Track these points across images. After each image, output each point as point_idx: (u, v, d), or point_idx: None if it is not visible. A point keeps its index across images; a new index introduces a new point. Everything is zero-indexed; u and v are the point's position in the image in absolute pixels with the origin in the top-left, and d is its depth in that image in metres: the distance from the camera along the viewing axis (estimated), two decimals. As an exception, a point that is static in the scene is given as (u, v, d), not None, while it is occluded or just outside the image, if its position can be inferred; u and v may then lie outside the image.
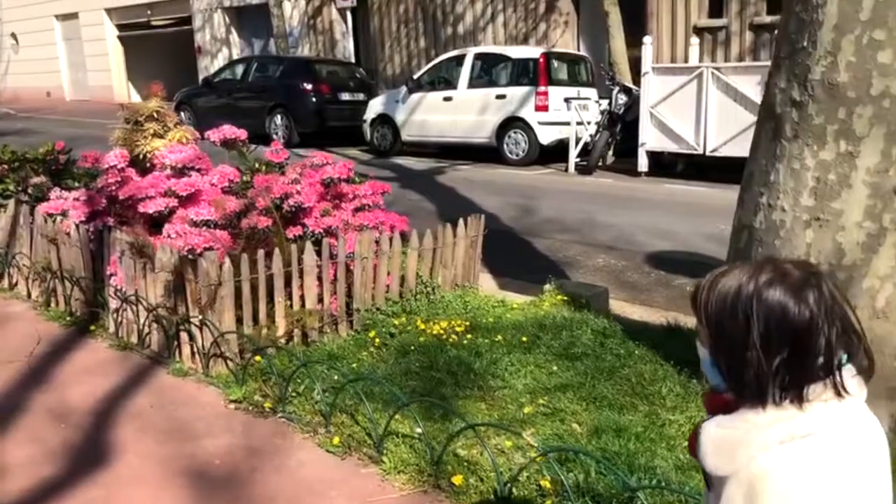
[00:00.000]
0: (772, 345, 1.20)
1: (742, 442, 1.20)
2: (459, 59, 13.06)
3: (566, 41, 16.58)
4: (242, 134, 5.76)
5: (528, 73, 12.15)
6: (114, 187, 4.90)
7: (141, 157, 5.49)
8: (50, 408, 3.78)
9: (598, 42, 16.06)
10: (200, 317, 4.06)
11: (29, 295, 5.51)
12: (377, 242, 4.74)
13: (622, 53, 13.21)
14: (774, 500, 1.15)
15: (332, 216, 4.71)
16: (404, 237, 4.99)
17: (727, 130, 9.80)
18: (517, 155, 12.08)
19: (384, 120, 13.66)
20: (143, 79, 28.51)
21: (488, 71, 12.92)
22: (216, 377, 4.04)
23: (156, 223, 4.98)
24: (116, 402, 3.85)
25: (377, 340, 4.31)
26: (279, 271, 4.27)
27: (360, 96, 15.34)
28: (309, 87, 14.68)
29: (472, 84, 12.61)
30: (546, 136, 11.85)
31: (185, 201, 4.97)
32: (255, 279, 4.20)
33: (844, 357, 1.22)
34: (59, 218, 5.28)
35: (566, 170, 11.65)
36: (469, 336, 4.24)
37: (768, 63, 9.21)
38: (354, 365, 4.05)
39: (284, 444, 3.39)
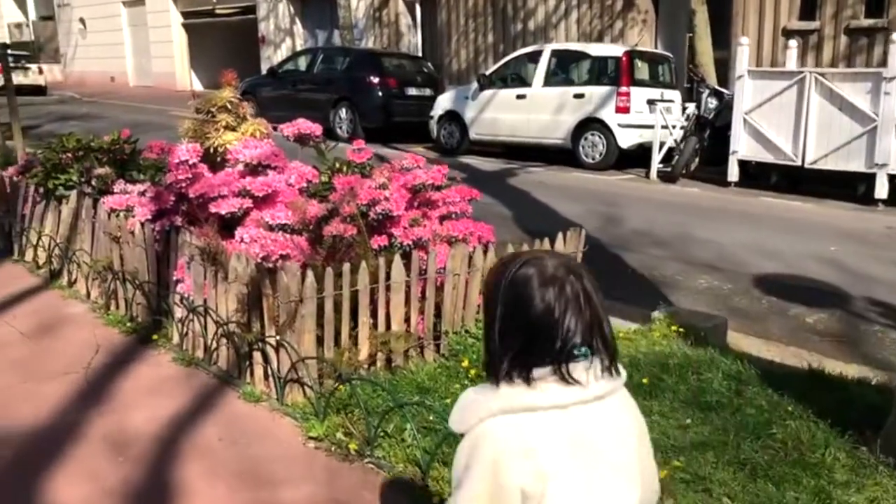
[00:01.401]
0: (507, 330, 1.37)
1: (477, 406, 1.36)
2: (535, 56, 12.47)
3: (643, 40, 15.84)
4: (317, 129, 5.31)
5: (609, 72, 11.50)
6: (184, 184, 4.46)
7: (211, 150, 5.07)
8: (108, 435, 3.34)
9: (676, 42, 15.31)
10: (277, 337, 3.59)
11: (88, 295, 5.13)
12: (470, 257, 4.21)
13: (709, 55, 12.47)
14: (485, 456, 1.31)
15: (423, 226, 4.20)
16: (497, 251, 4.45)
17: (829, 142, 9.05)
18: (593, 158, 11.45)
19: (452, 117, 13.14)
20: (205, 67, 28.54)
21: (566, 69, 12.31)
22: (292, 406, 3.56)
23: (227, 225, 4.55)
24: (182, 430, 3.40)
25: (472, 371, 3.78)
26: (365, 287, 3.78)
27: (427, 92, 14.85)
28: (375, 80, 14.25)
29: (548, 82, 12.01)
30: (626, 140, 11.19)
31: (260, 202, 4.52)
32: (339, 296, 3.71)
33: (583, 349, 1.35)
34: (122, 214, 4.88)
35: (647, 176, 10.99)
36: (580, 373, 3.68)
37: (880, 70, 8.42)
38: (448, 401, 3.52)
39: (374, 499, 2.89)
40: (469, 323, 4.28)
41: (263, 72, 23.48)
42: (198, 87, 28.77)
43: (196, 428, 3.43)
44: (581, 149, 11.54)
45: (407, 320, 4.02)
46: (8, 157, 9.64)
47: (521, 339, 1.36)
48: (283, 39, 24.27)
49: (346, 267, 3.72)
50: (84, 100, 24.45)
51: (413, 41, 20.71)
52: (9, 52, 11.50)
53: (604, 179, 10.81)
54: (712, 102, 10.24)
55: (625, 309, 5.12)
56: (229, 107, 5.39)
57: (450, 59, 19.66)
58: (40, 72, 27.73)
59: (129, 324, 4.60)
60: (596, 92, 11.39)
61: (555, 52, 12.10)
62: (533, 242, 4.66)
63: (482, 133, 12.76)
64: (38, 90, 26.21)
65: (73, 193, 5.47)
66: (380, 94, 14.19)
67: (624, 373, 1.46)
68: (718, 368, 3.76)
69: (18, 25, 35.90)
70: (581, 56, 12.06)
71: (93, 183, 5.41)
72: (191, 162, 4.42)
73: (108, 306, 4.87)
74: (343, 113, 14.45)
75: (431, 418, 3.26)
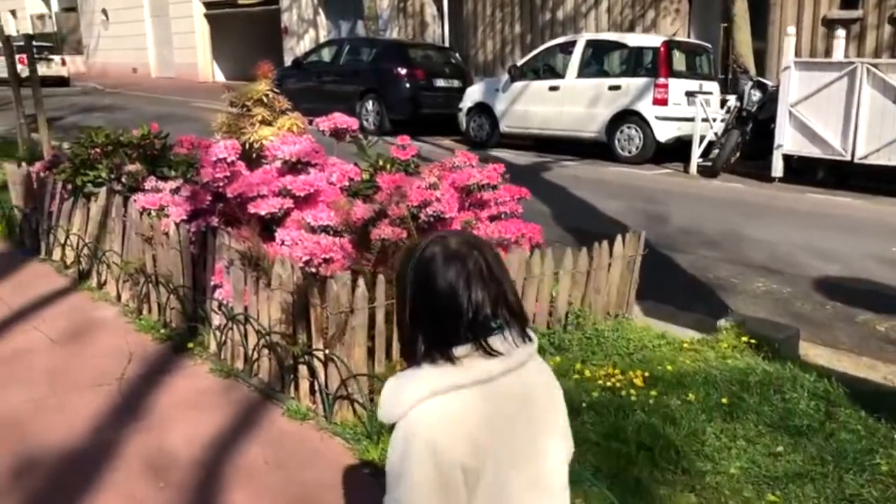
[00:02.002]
0: (418, 310, 1.39)
1: (404, 393, 1.35)
2: (568, 46, 12.11)
3: (676, 30, 15.44)
4: (354, 123, 5.06)
5: (647, 63, 11.14)
6: (221, 183, 4.21)
7: (247, 146, 4.82)
8: (146, 455, 3.10)
9: (710, 32, 14.88)
10: (326, 350, 3.32)
11: (119, 298, 4.89)
12: (527, 263, 3.93)
13: (747, 45, 12.06)
14: (422, 442, 1.30)
15: (475, 229, 3.92)
16: (555, 255, 4.17)
17: (882, 136, 8.65)
18: (629, 152, 11.10)
19: (482, 109, 12.82)
20: (227, 58, 28.37)
21: (600, 59, 11.95)
22: (342, 425, 3.30)
23: (265, 225, 4.30)
24: (225, 451, 3.15)
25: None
26: (418, 297, 3.50)
27: (456, 83, 14.53)
28: (403, 72, 13.94)
29: (582, 73, 11.65)
30: (664, 133, 10.83)
31: (301, 202, 4.26)
32: (391, 305, 3.44)
33: (497, 321, 1.38)
34: (154, 213, 4.64)
35: (686, 170, 10.64)
36: (653, 392, 3.39)
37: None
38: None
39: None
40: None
41: (286, 63, 23.29)
42: (220, 78, 28.62)
43: (239, 448, 3.18)
44: (617, 142, 11.19)
45: (461, 331, 3.75)
46: (33, 150, 9.47)
47: (432, 318, 1.38)
48: (307, 30, 24.03)
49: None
50: (107, 91, 24.35)
51: (438, 32, 20.39)
52: (33, 44, 11.35)
53: (641, 174, 10.47)
54: (756, 94, 9.85)
55: (683, 316, 4.84)
56: (265, 100, 5.14)
57: (476, 49, 19.33)
58: (63, 63, 27.68)
59: (162, 330, 4.36)
60: (632, 83, 11.03)
61: (589, 43, 11.74)
62: (591, 246, 4.38)
63: (513, 126, 12.44)
64: (61, 81, 26.17)
65: (103, 191, 5.24)
66: (407, 85, 13.89)
67: (535, 338, 1.48)
68: (803, 387, 3.45)
69: (41, 17, 35.92)
70: (617, 46, 11.69)
71: (123, 180, 5.18)
72: (229, 160, 4.17)
73: (139, 310, 4.64)
74: (370, 105, 14.18)
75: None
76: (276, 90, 5.19)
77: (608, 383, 3.47)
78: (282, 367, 3.59)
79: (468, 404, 1.35)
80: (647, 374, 3.58)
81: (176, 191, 4.99)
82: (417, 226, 3.87)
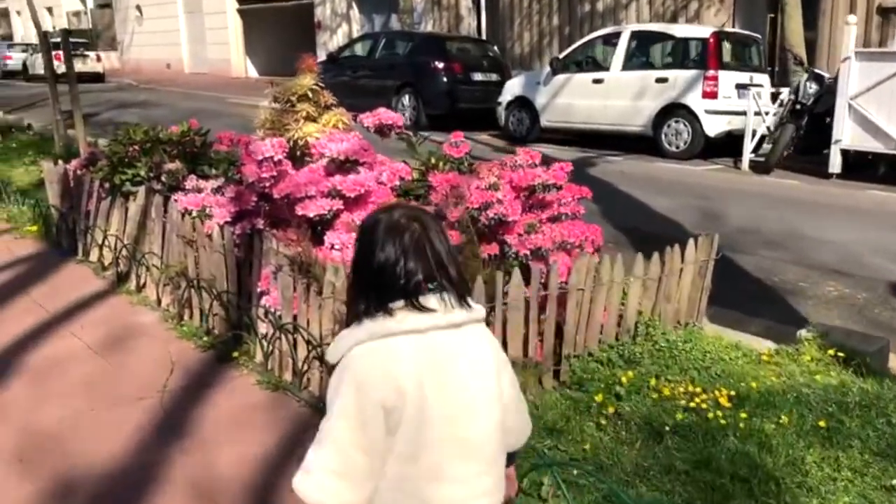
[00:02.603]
0: (362, 272, 1.56)
1: (346, 339, 1.52)
2: (612, 38, 11.74)
3: (720, 21, 14.96)
4: (399, 119, 4.80)
5: (695, 55, 10.74)
6: (268, 183, 3.97)
7: (290, 143, 4.59)
8: (194, 479, 2.87)
9: (755, 23, 14.37)
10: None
11: (159, 302, 4.69)
12: (596, 270, 3.64)
13: (799, 35, 11.60)
14: (351, 377, 1.47)
15: (541, 233, 3.64)
16: (625, 262, 3.87)
17: (949, 129, 8.18)
18: (677, 147, 10.71)
19: (522, 103, 12.49)
20: (260, 53, 28.32)
21: (646, 51, 11.57)
22: (400, 447, 3.04)
23: (313, 227, 4.07)
24: (276, 472, 2.91)
25: (610, 407, 3.22)
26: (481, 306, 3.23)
27: (494, 77, 14.22)
28: (440, 65, 13.66)
29: (628, 65, 11.27)
30: (713, 127, 10.43)
31: (351, 203, 4.02)
32: (453, 318, 3.17)
33: (433, 284, 1.51)
34: (194, 212, 4.42)
35: (737, 166, 10.23)
36: (742, 414, 3.09)
37: None
38: (587, 446, 2.97)
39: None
40: (592, 344, 3.71)
41: (320, 58, 23.17)
42: (253, 73, 28.59)
43: (292, 471, 2.93)
44: (664, 136, 10.81)
45: (525, 344, 3.47)
46: (69, 146, 9.36)
47: (372, 279, 1.52)
48: (340, 25, 23.85)
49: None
50: (141, 87, 24.39)
51: (473, 24, 20.07)
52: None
53: (690, 170, 10.08)
54: (812, 87, 9.41)
55: (753, 323, 4.52)
56: (310, 95, 4.89)
57: (512, 42, 18.99)
58: (98, 59, 27.83)
59: (205, 338, 4.14)
60: (680, 76, 10.63)
61: (635, 34, 11.35)
62: (652, 248, 4.08)
63: (554, 120, 12.10)
64: (97, 77, 26.30)
65: (142, 190, 5.04)
66: (444, 79, 13.61)
67: (480, 309, 1.60)
68: (909, 409, 3.13)
69: (77, 13, 36.21)
70: (664, 37, 11.30)
71: (162, 178, 4.97)
72: (276, 158, 3.93)
73: (181, 316, 4.43)
74: (406, 99, 13.92)
75: (574, 472, 2.71)
76: (320, 84, 4.93)
77: (691, 403, 3.17)
78: (334, 382, 3.34)
79: (396, 351, 1.48)
80: (731, 392, 3.27)
81: (218, 190, 4.78)
82: (477, 229, 3.60)
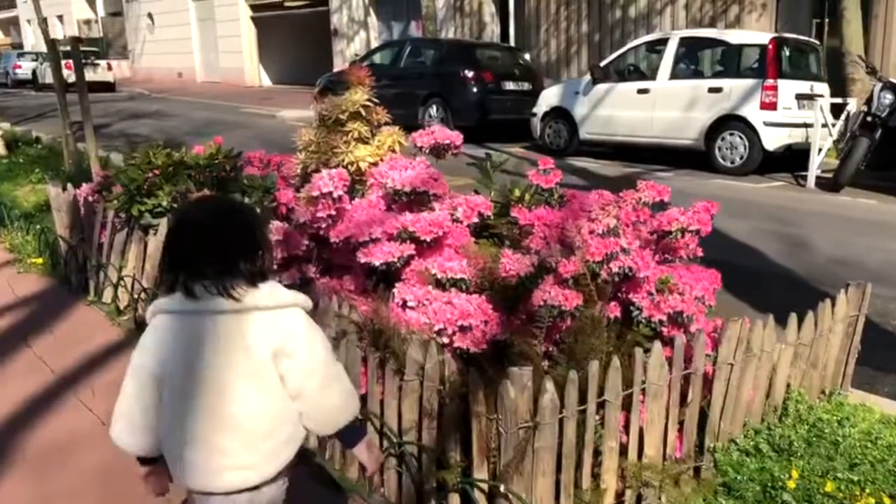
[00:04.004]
0: (164, 251, 1.79)
1: (153, 305, 1.75)
2: (658, 45, 11.00)
3: (763, 26, 14.20)
4: (458, 138, 4.07)
5: (752, 63, 9.96)
6: (324, 224, 3.22)
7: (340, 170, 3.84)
8: None
9: (799, 28, 13.58)
10: (499, 485, 2.29)
11: (185, 359, 3.93)
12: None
13: (859, 41, 10.85)
14: (140, 343, 1.75)
15: (678, 293, 2.86)
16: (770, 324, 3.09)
17: None
18: (732, 162, 9.93)
19: (559, 114, 11.74)
20: (274, 62, 27.71)
21: (696, 59, 10.81)
22: (518, 589, 2.27)
23: (372, 273, 3.33)
24: None
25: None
26: (617, 396, 2.46)
27: (526, 86, 13.49)
28: (470, 74, 12.94)
29: (676, 74, 10.51)
30: (772, 141, 9.65)
31: (424, 248, 3.26)
32: (583, 413, 2.41)
33: (207, 271, 1.70)
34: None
35: (800, 183, 9.45)
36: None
37: None
38: None
39: None
40: (736, 430, 2.93)
41: (336, 66, 22.49)
42: (267, 82, 27.98)
43: None
44: (717, 151, 10.03)
45: (665, 436, 2.69)
46: (80, 163, 8.65)
47: (167, 262, 1.77)
48: (357, 32, 23.19)
49: (593, 367, 2.41)
50: (153, 96, 23.79)
51: (497, 31, 19.36)
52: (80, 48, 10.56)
53: (751, 188, 9.29)
54: (887, 97, 8.62)
55: (889, 381, 3.75)
56: (363, 113, 4.16)
57: (538, 50, 18.28)
58: (109, 68, 27.29)
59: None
60: (736, 85, 9.85)
61: (683, 41, 10.58)
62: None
63: (595, 132, 11.34)
64: (107, 87, 25.75)
65: (163, 223, 4.30)
66: (475, 89, 12.89)
67: (260, 298, 1.72)
68: None
69: (87, 22, 35.73)
70: (716, 44, 10.53)
71: (189, 211, 4.22)
72: (336, 194, 3.17)
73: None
74: (433, 110, 13.20)
75: None
76: (374, 100, 4.19)
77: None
78: (421, 493, 2.57)
79: (165, 326, 1.74)
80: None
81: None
82: (597, 285, 2.83)
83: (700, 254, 3.45)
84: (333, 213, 3.19)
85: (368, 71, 4.31)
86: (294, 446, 1.80)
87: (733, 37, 10.20)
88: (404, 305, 3.05)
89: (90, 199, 5.09)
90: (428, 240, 3.20)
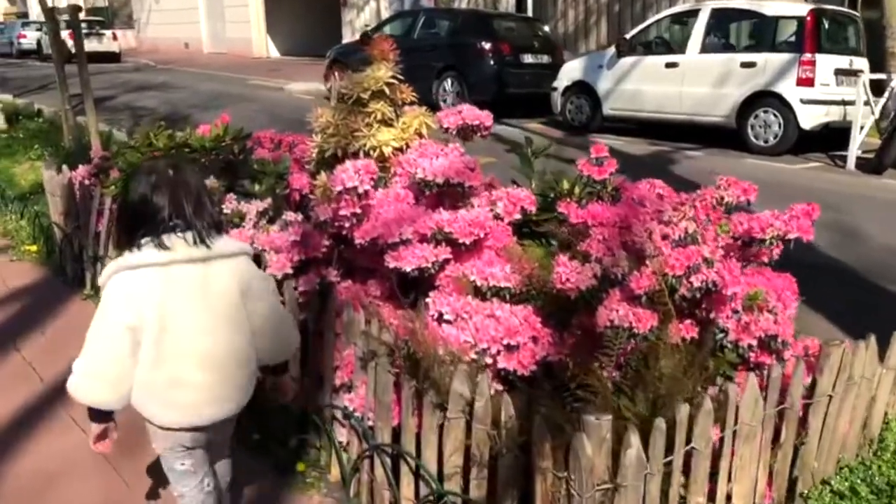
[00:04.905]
0: (122, 212, 1.96)
1: (109, 268, 1.89)
2: (688, 16, 10.42)
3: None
4: (488, 119, 3.63)
5: (789, 36, 9.41)
6: (348, 223, 2.79)
7: (361, 155, 3.43)
8: None
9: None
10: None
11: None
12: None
13: (901, 12, 10.24)
14: (104, 300, 1.86)
15: (769, 311, 2.41)
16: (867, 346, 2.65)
17: None
18: (765, 141, 9.42)
19: (581, 88, 11.21)
20: (282, 32, 27.05)
21: (728, 31, 10.25)
22: None
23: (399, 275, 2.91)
24: None
25: None
26: (708, 443, 2.04)
27: (545, 59, 12.92)
28: (487, 46, 12.38)
29: (707, 48, 9.95)
30: (809, 119, 9.12)
31: (462, 250, 2.83)
32: (668, 469, 1.99)
33: (178, 222, 1.87)
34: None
35: (839, 164, 8.95)
36: None
37: None
38: None
39: None
40: (830, 470, 2.52)
41: (345, 37, 21.89)
42: (274, 54, 27.38)
43: None
44: (750, 129, 9.51)
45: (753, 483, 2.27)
46: (80, 138, 8.20)
47: (129, 218, 1.90)
48: (367, 2, 22.57)
49: (683, 411, 1.98)
50: (159, 67, 23.24)
51: (512, 1, 18.71)
52: (83, 18, 10.06)
53: (786, 168, 8.79)
54: (935, 74, 8.08)
55: None
56: (386, 91, 3.70)
57: (555, 21, 17.64)
58: (114, 38, 26.71)
59: (256, 435, 2.97)
60: (771, 60, 9.30)
61: (715, 12, 9.99)
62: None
63: (619, 108, 10.82)
64: (113, 57, 25.19)
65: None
66: (492, 62, 12.33)
67: (226, 246, 1.95)
68: None
69: (92, -10, 35.02)
70: (750, 16, 9.95)
71: (193, 201, 3.79)
72: (361, 189, 2.73)
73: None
74: (448, 84, 12.68)
75: None
76: (399, 77, 3.73)
77: None
78: (468, 551, 2.17)
79: (139, 280, 1.83)
80: None
81: (266, 217, 3.63)
82: (673, 301, 2.39)
83: (776, 256, 3.01)
84: (359, 210, 2.76)
85: (392, 43, 3.83)
86: (254, 380, 2.04)
87: (769, 8, 9.62)
88: (440, 319, 2.63)
89: (86, 182, 4.67)
90: (467, 242, 2.77)
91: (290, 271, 2.94)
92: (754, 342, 2.32)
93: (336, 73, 3.72)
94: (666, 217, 2.58)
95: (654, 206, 3.05)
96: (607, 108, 10.93)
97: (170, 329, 1.84)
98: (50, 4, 8.66)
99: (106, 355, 1.85)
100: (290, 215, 3.57)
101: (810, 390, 2.35)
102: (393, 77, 3.73)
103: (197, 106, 13.83)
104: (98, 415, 1.94)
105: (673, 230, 2.45)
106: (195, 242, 1.86)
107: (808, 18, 9.14)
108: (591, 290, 2.45)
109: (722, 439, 2.10)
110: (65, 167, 4.93)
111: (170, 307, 1.84)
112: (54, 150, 8.22)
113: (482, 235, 2.80)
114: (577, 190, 3.18)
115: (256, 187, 4.00)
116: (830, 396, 2.37)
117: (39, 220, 5.29)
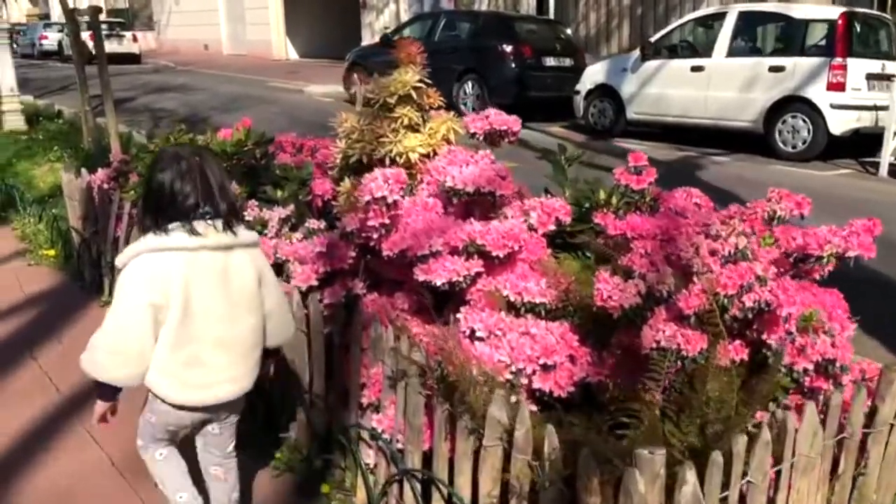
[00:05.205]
0: (147, 197, 2.00)
1: (132, 249, 1.95)
2: (714, 19, 10.26)
3: None
4: (515, 124, 3.50)
5: (819, 39, 9.21)
6: (376, 234, 2.66)
7: (387, 161, 3.32)
8: None
9: (860, 2, 12.72)
10: None
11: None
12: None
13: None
14: (128, 279, 1.91)
15: (825, 332, 2.26)
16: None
17: None
18: (794, 147, 9.22)
19: (605, 92, 11.05)
20: (302, 34, 27.05)
21: (756, 35, 10.05)
22: None
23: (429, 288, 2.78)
24: None
25: None
26: (765, 476, 1.89)
27: (567, 62, 12.77)
28: (508, 49, 12.25)
29: (733, 51, 9.77)
30: (839, 124, 8.92)
31: (495, 263, 2.70)
32: (724, 500, 1.84)
33: (207, 209, 1.94)
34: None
35: (870, 171, 8.73)
36: None
37: None
38: None
39: None
40: (888, 502, 2.36)
41: (365, 39, 21.83)
42: (293, 56, 27.39)
43: None
44: (777, 134, 9.31)
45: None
46: (99, 140, 8.16)
47: (154, 203, 1.95)
48: (387, 4, 22.48)
49: (740, 443, 1.84)
50: (178, 69, 23.29)
51: (532, 4, 18.57)
52: (104, 19, 10.00)
53: (817, 175, 8.60)
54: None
55: None
56: (414, 96, 3.57)
57: (576, 23, 17.48)
58: (134, 40, 26.86)
59: (279, 454, 2.85)
60: (800, 64, 9.10)
61: (742, 15, 9.80)
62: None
63: (643, 112, 10.64)
64: (133, 59, 25.31)
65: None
66: (513, 64, 12.20)
67: (247, 236, 2.06)
68: None
69: (113, -8, 35.23)
70: (779, 19, 9.76)
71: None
72: (390, 199, 2.61)
73: (250, 407, 3.14)
74: (469, 87, 12.56)
75: None
76: (426, 81, 3.60)
77: None
78: (505, 588, 2.03)
79: (167, 262, 1.90)
80: None
81: (289, 224, 3.54)
82: (723, 321, 2.24)
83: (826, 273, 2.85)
84: (387, 221, 2.63)
85: (420, 46, 3.70)
86: (260, 361, 2.15)
87: (798, 11, 9.42)
88: (472, 336, 2.50)
89: (105, 186, 4.58)
90: (501, 255, 2.64)
91: (315, 283, 2.82)
92: (811, 366, 2.17)
93: (359, 77, 3.58)
94: (713, 231, 2.43)
95: (695, 217, 2.91)
96: (631, 113, 10.76)
97: (193, 312, 1.92)
98: (71, 6, 8.63)
99: (129, 333, 1.90)
100: (313, 223, 3.47)
101: (869, 418, 2.19)
102: (420, 81, 3.60)
103: (216, 108, 13.79)
104: (107, 392, 2.02)
105: (722, 245, 2.31)
106: (223, 229, 1.95)
107: (840, 21, 8.94)
108: (636, 310, 2.30)
109: (779, 472, 1.95)
110: (84, 171, 4.85)
111: (194, 291, 1.91)
112: (74, 152, 8.17)
113: (517, 248, 2.67)
114: (614, 200, 3.04)
115: (279, 193, 3.90)
116: (892, 425, 2.21)
117: (58, 223, 5.22)
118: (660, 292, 2.33)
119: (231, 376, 2.03)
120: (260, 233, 3.64)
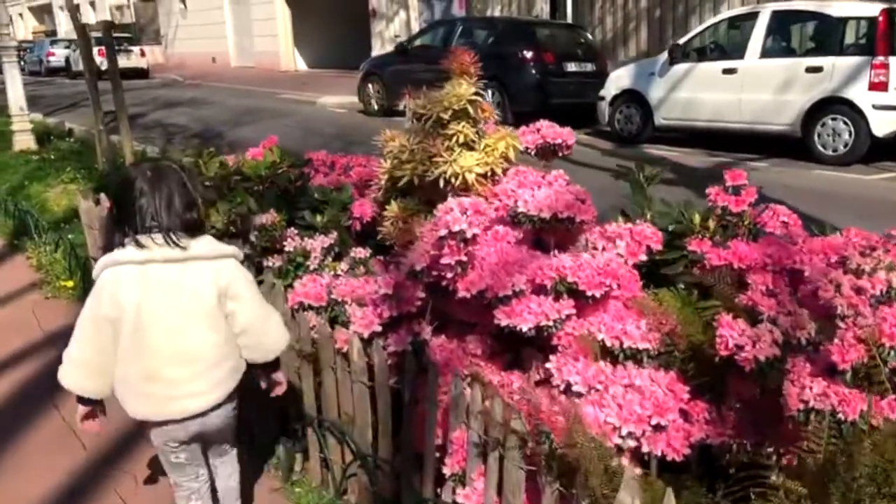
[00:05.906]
0: (115, 213, 2.06)
1: (100, 263, 2.00)
2: (745, 20, 9.88)
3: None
4: (570, 137, 3.16)
5: (858, 38, 8.84)
6: (450, 272, 2.31)
7: (441, 182, 2.98)
8: None
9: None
10: None
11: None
12: None
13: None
14: (93, 293, 1.98)
15: None
16: None
17: None
18: (834, 150, 8.83)
19: (631, 97, 10.69)
20: (310, 45, 26.82)
21: (790, 35, 9.68)
22: None
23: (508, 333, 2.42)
24: None
25: None
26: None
27: (589, 67, 12.42)
28: (529, 55, 11.92)
29: (767, 52, 9.40)
30: (882, 126, 8.53)
31: (587, 304, 2.35)
32: None
33: (154, 223, 1.97)
34: (312, 307, 2.78)
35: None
36: None
37: None
38: None
39: None
40: None
41: (375, 49, 21.55)
42: (302, 66, 27.15)
43: None
44: (817, 137, 8.93)
45: None
46: (114, 159, 7.85)
47: (118, 217, 2.02)
48: (397, 12, 22.18)
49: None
50: (187, 83, 23.08)
51: (546, 8, 18.24)
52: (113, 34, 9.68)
53: (862, 180, 8.21)
54: None
55: None
56: (470, 110, 3.23)
57: (593, 27, 17.11)
58: (142, 54, 26.69)
59: (339, 524, 2.50)
60: (839, 64, 8.73)
61: (776, 14, 9.43)
62: None
63: (673, 117, 10.28)
64: (141, 73, 25.14)
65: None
66: (534, 71, 11.87)
67: (210, 247, 2.03)
68: None
69: (119, 7, 35.16)
70: (815, 17, 9.37)
71: (252, 239, 3.35)
72: (469, 233, 2.25)
73: (290, 467, 2.79)
74: (489, 95, 12.17)
75: None
76: (481, 93, 3.25)
77: None
78: None
79: (120, 276, 1.96)
80: None
81: (329, 251, 3.21)
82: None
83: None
84: (464, 258, 2.28)
85: (474, 55, 3.35)
86: (237, 377, 2.11)
87: (835, 9, 9.04)
88: (567, 390, 2.15)
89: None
90: (597, 295, 2.28)
91: (378, 329, 2.47)
92: None
93: (410, 94, 3.23)
94: (853, 264, 2.07)
95: (809, 245, 2.56)
96: (659, 118, 10.40)
97: (145, 325, 1.95)
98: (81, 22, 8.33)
99: (90, 345, 1.97)
100: (358, 251, 3.15)
101: None
102: (475, 94, 3.25)
103: (228, 122, 13.51)
104: (84, 399, 2.06)
105: (872, 283, 1.95)
106: (167, 243, 1.96)
107: (881, 19, 8.55)
108: (773, 363, 1.95)
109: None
110: (102, 196, 4.51)
111: (145, 304, 1.95)
112: (87, 172, 7.86)
113: (615, 287, 2.32)
114: (711, 224, 2.68)
115: (318, 218, 3.56)
116: None
117: (75, 252, 4.89)
118: (797, 339, 1.97)
119: (190, 391, 2.02)
120: (301, 264, 3.31)
